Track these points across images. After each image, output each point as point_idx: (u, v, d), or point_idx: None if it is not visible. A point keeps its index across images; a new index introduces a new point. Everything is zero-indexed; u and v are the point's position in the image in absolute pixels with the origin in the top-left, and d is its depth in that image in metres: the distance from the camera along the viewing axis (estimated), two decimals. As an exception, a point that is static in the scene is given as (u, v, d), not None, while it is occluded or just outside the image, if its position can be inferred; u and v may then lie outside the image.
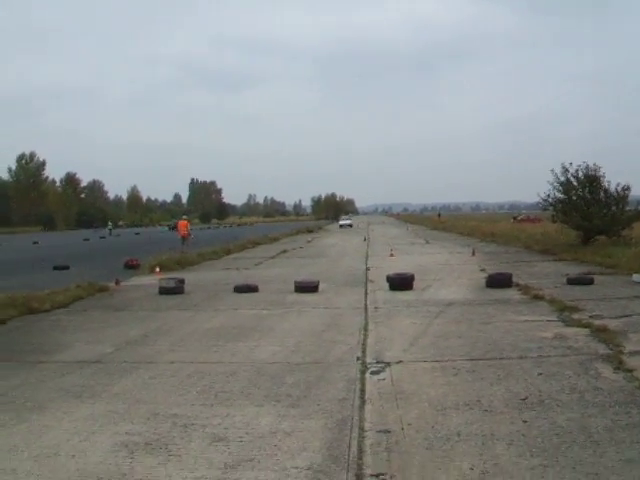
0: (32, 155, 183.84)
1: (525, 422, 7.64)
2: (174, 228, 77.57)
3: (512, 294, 18.59)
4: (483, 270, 25.00)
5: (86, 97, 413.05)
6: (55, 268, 32.06)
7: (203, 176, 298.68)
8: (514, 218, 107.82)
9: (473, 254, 33.89)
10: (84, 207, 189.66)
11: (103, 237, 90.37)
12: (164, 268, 28.88)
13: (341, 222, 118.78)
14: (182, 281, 21.36)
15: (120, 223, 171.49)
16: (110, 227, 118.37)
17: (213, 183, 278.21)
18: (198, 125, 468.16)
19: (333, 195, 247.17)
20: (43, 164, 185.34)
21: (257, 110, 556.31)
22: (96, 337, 13.91)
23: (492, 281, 20.24)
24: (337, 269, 28.57)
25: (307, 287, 20.31)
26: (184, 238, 44.08)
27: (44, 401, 9.09)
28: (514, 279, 20.55)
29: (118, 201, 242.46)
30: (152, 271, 28.04)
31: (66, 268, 31.78)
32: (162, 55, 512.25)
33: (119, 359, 11.71)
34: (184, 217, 49.79)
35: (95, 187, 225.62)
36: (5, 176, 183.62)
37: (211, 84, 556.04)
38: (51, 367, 11.25)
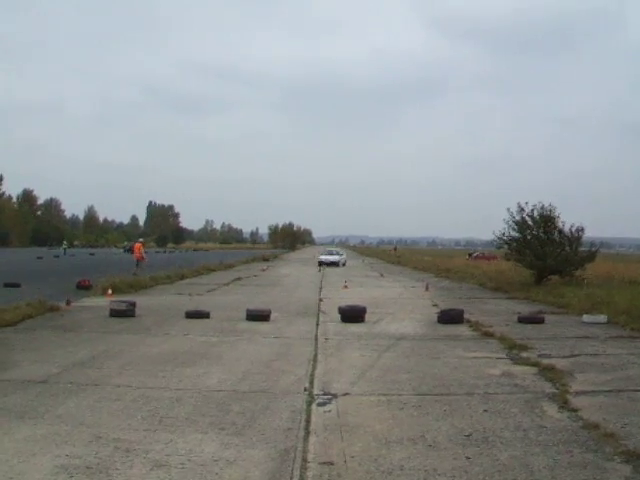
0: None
1: (468, 458, 7.66)
2: (129, 250, 77.09)
3: (463, 330, 18.70)
4: (435, 305, 25.18)
5: (47, 114, 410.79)
6: (6, 285, 31.56)
7: (161, 199, 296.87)
8: (469, 255, 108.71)
9: (427, 289, 34.11)
10: (40, 225, 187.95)
11: (57, 256, 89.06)
12: (116, 290, 28.69)
13: (322, 257, 73.47)
14: (133, 304, 21.20)
15: (75, 243, 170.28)
16: (65, 246, 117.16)
17: (171, 207, 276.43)
18: (160, 148, 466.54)
19: (290, 224, 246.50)
20: (0, 179, 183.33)
21: (220, 136, 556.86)
22: (43, 357, 13.75)
23: (444, 317, 20.33)
24: (290, 299, 28.55)
25: (259, 315, 20.24)
26: (138, 261, 43.83)
27: (-16, 421, 8.95)
28: (466, 315, 20.70)
29: (74, 220, 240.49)
30: (104, 293, 27.82)
31: (17, 286, 31.34)
32: (127, 76, 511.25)
33: (65, 380, 11.58)
34: (140, 240, 49.54)
35: (52, 205, 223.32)
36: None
37: (175, 108, 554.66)
38: (-5, 386, 11.12)
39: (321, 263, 69.04)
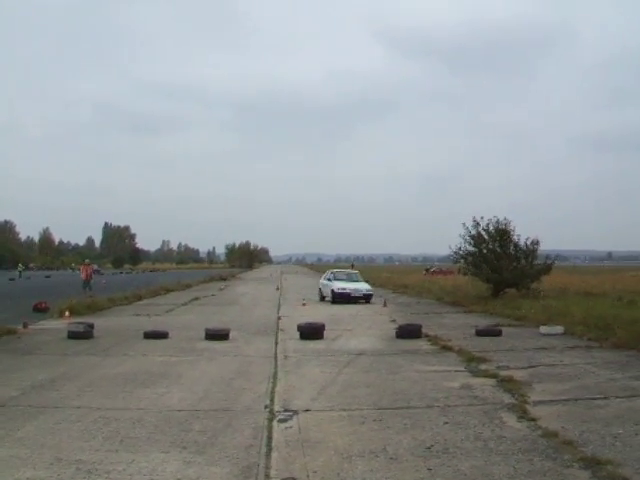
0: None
1: (429, 470, 7.72)
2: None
3: (421, 345, 18.83)
4: (394, 321, 25.27)
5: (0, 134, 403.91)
6: (-40, 310, 31.25)
7: (117, 220, 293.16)
8: (426, 270, 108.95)
9: (385, 305, 34.23)
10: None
11: (13, 279, 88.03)
12: (74, 312, 28.45)
13: (337, 286, 39.36)
14: (91, 326, 21.09)
15: (31, 265, 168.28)
16: (20, 269, 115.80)
17: (127, 228, 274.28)
18: (115, 168, 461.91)
19: (247, 243, 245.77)
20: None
21: (174, 156, 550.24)
22: (1, 380, 13.63)
23: (402, 332, 20.45)
24: (249, 317, 28.51)
25: (218, 335, 20.20)
26: (86, 282, 43.66)
27: (-57, 445, 8.85)
28: (424, 330, 20.83)
29: (30, 243, 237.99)
30: (61, 315, 27.61)
31: (-28, 310, 31.02)
32: (81, 96, 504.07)
33: (24, 403, 11.49)
34: (86, 261, 49.26)
35: (6, 228, 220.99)
36: None
37: (129, 128, 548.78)
38: (-48, 410, 11.01)
39: (336, 297, 38.27)
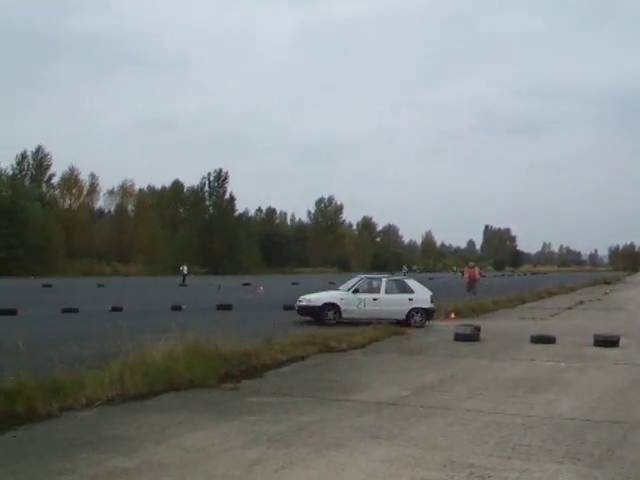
0: (330, 199, 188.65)
1: None
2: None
3: None
4: None
5: (381, 145, 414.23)
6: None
7: (498, 223, 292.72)
8: None
9: None
10: (379, 250, 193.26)
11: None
12: (459, 314, 28.85)
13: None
14: (478, 328, 21.23)
15: (414, 267, 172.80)
16: (405, 271, 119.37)
17: (507, 230, 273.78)
18: (494, 171, 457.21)
19: (631, 245, 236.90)
20: (340, 208, 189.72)
21: (557, 156, 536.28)
22: (392, 379, 14.10)
23: None
24: (637, 324, 27.36)
25: (607, 341, 19.58)
26: (470, 284, 43.63)
27: (341, 439, 9.25)
28: None
29: (412, 246, 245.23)
30: (447, 316, 28.08)
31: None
32: (452, 102, 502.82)
33: (415, 403, 11.77)
34: (470, 264, 49.37)
35: (390, 231, 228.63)
36: (305, 219, 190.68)
37: (507, 130, 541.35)
38: (348, 406, 11.53)
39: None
